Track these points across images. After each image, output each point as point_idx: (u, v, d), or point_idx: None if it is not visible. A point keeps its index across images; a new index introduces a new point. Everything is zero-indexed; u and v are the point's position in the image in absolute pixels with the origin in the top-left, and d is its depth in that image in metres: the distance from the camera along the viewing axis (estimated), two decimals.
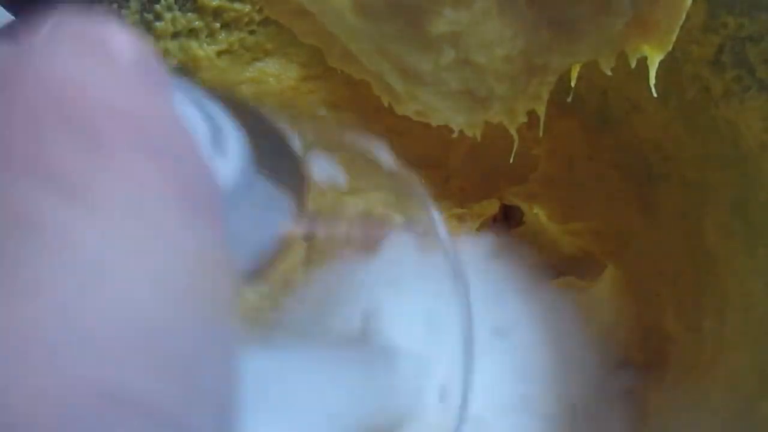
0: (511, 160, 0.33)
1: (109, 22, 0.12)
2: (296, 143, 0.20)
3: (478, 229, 0.43)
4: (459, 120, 0.30)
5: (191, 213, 0.12)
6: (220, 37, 0.40)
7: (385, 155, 0.24)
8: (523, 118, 0.31)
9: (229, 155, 0.16)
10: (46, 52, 0.11)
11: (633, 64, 0.28)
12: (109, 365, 0.10)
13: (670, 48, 0.27)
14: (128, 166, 0.11)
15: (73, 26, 0.12)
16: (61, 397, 0.10)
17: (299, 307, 0.38)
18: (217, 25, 0.39)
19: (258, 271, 0.18)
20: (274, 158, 0.18)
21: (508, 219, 0.45)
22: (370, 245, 0.40)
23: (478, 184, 0.45)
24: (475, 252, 0.41)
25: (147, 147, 0.12)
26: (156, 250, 0.11)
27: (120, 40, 0.12)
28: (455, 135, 0.32)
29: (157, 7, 0.37)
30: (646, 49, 0.27)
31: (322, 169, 0.23)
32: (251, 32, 0.41)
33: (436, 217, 0.25)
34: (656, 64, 0.28)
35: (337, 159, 0.23)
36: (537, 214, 0.42)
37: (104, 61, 0.12)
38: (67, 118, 0.11)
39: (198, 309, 0.11)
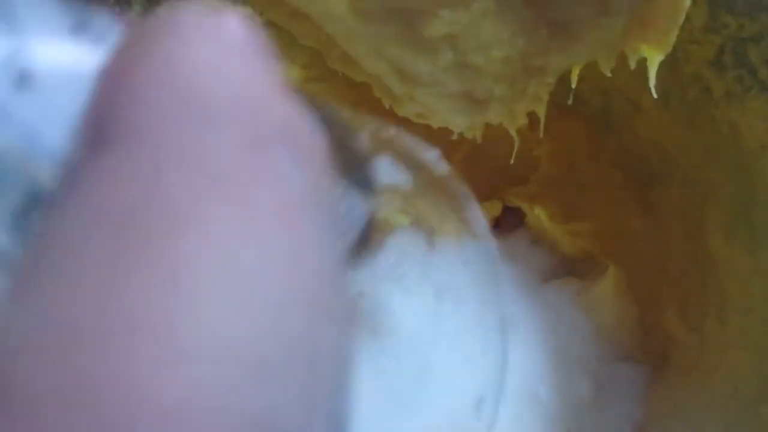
0: (512, 161, 0.33)
1: (219, 6, 0.11)
2: (362, 143, 0.19)
3: None
4: (459, 121, 0.30)
5: (328, 224, 0.11)
6: None
7: (431, 155, 0.24)
8: (523, 120, 0.31)
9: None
10: (174, 42, 0.11)
11: (633, 65, 0.28)
12: (258, 390, 0.09)
13: (669, 49, 0.27)
14: (280, 165, 0.10)
15: (188, 14, 0.11)
16: (196, 417, 0.09)
17: None
18: None
19: None
20: (345, 158, 0.18)
21: (508, 219, 0.45)
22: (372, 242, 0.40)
23: (479, 186, 0.45)
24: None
25: (291, 144, 0.11)
26: (302, 265, 0.10)
27: (234, 23, 0.11)
28: (455, 136, 0.32)
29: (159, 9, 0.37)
30: (646, 50, 0.27)
31: (387, 171, 0.22)
32: None
33: (481, 219, 0.25)
34: (656, 65, 0.28)
35: (395, 160, 0.23)
36: (538, 215, 0.42)
37: (229, 48, 0.11)
38: (209, 109, 0.10)
39: (331, 330, 0.10)
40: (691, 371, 0.37)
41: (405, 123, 0.32)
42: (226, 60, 0.11)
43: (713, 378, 0.35)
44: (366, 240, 0.19)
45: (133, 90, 0.10)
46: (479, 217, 0.25)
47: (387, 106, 0.31)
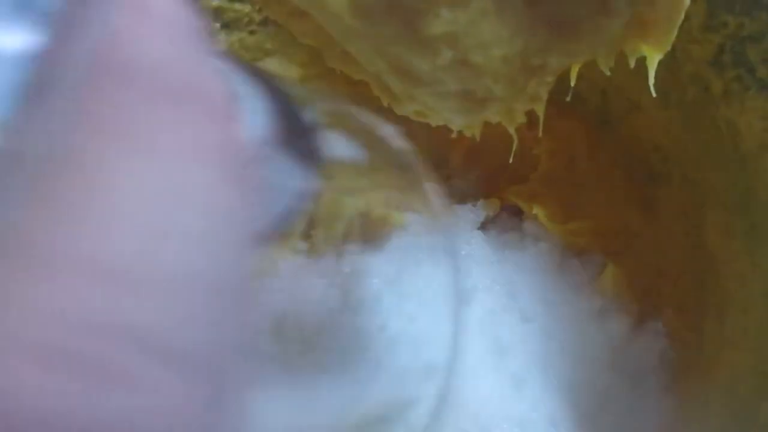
0: (511, 160, 0.33)
1: None
2: (312, 116, 0.20)
3: (479, 228, 0.43)
4: (458, 120, 0.30)
5: (232, 180, 0.12)
6: (220, 37, 0.40)
7: (388, 129, 0.24)
8: (522, 119, 0.31)
9: (251, 122, 0.16)
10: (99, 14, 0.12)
11: (632, 64, 0.28)
12: (142, 309, 0.10)
13: (669, 48, 0.27)
14: (182, 119, 0.12)
15: None
16: (81, 330, 0.10)
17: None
18: (217, 25, 0.39)
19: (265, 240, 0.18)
20: (290, 130, 0.18)
21: (506, 218, 0.45)
22: (369, 242, 0.40)
23: (478, 184, 0.45)
24: (482, 246, 0.42)
25: (191, 103, 0.12)
26: (192, 203, 0.11)
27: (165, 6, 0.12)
28: (454, 135, 0.32)
29: None
30: (645, 49, 0.27)
31: (341, 146, 0.22)
32: (251, 32, 0.41)
33: (437, 195, 0.25)
34: (655, 64, 0.27)
35: (351, 137, 0.23)
36: (536, 214, 0.42)
37: (149, 21, 0.12)
38: (121, 76, 0.11)
39: (226, 268, 0.12)
40: (690, 370, 0.37)
41: (404, 121, 0.32)
42: (145, 29, 0.12)
43: (712, 377, 0.35)
44: (299, 209, 0.19)
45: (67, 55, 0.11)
46: (436, 192, 0.25)
47: (386, 105, 0.31)
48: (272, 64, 0.42)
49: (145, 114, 0.11)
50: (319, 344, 0.36)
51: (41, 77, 0.11)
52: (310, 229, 0.39)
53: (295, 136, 0.18)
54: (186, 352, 0.11)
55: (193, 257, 0.11)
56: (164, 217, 0.11)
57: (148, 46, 0.12)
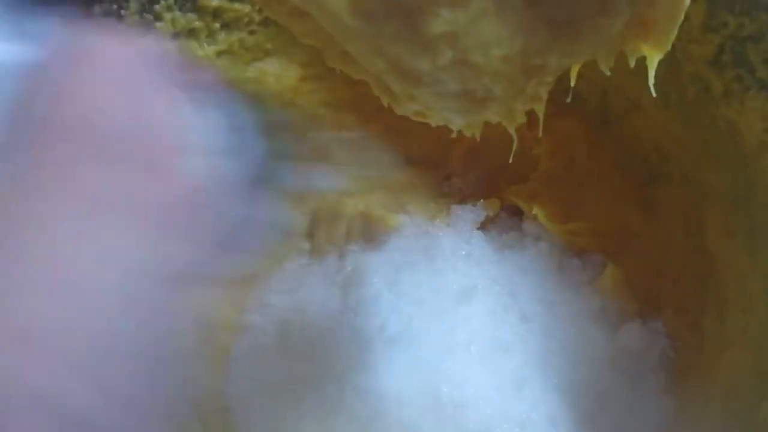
0: (511, 160, 0.33)
1: (112, 35, 0.13)
2: (291, 148, 0.20)
3: (479, 228, 0.43)
4: (457, 120, 0.30)
5: (177, 236, 0.12)
6: (220, 37, 0.40)
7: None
8: (522, 119, 0.31)
9: (240, 158, 0.16)
10: (50, 69, 0.12)
11: (632, 64, 0.28)
12: (47, 374, 0.11)
13: (668, 48, 0.27)
14: (111, 174, 0.12)
15: (74, 43, 0.13)
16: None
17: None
18: (217, 25, 0.39)
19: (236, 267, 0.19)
20: (260, 164, 0.18)
21: (506, 218, 0.45)
22: (370, 242, 0.40)
23: (478, 184, 0.45)
24: (482, 246, 0.42)
25: (130, 158, 0.12)
26: (121, 266, 0.12)
27: (117, 52, 0.13)
28: (455, 135, 0.32)
29: (157, 7, 0.37)
30: (645, 49, 0.27)
31: (326, 178, 0.23)
32: (251, 32, 0.41)
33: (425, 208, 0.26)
34: (655, 64, 0.27)
35: (336, 161, 0.24)
36: (536, 213, 0.42)
37: (99, 74, 0.12)
38: (63, 129, 0.12)
39: (134, 331, 0.12)
40: (690, 370, 0.37)
41: (404, 121, 0.32)
42: (94, 81, 0.13)
43: (712, 376, 0.35)
44: (266, 240, 0.20)
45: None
46: (427, 211, 0.26)
47: (386, 105, 0.31)
48: (272, 64, 0.42)
49: (83, 171, 0.12)
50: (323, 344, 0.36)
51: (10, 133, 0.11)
52: (313, 229, 0.39)
53: (267, 169, 0.19)
54: (96, 418, 0.11)
55: (113, 325, 0.11)
56: (89, 284, 0.11)
57: (92, 98, 0.12)
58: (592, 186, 0.43)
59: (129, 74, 0.13)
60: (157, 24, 0.37)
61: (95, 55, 0.12)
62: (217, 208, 0.15)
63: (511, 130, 0.31)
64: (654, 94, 0.28)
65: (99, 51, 0.13)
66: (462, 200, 0.44)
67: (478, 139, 0.33)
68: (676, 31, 0.26)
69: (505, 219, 0.44)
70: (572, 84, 0.29)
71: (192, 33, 0.39)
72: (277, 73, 0.42)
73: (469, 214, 0.43)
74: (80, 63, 0.12)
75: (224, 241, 0.15)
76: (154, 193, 0.12)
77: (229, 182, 0.16)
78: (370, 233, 0.41)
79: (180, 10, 0.38)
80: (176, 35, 0.38)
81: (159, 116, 0.13)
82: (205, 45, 0.39)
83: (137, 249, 0.12)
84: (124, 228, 0.12)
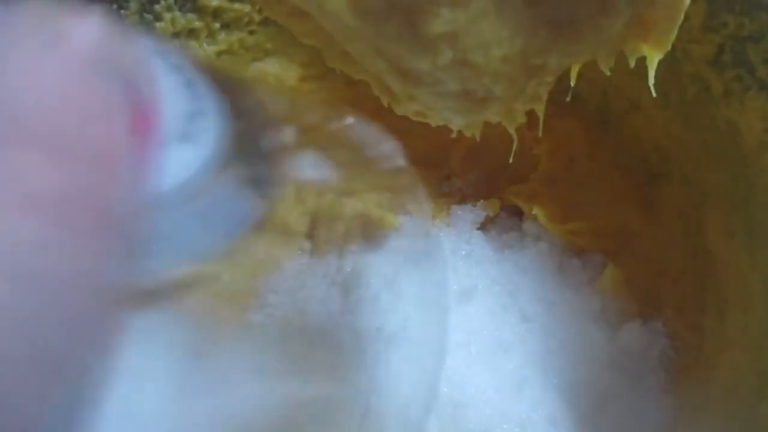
0: (511, 160, 0.33)
1: (74, 12, 0.12)
2: (278, 137, 0.20)
3: (479, 228, 0.43)
4: (457, 120, 0.30)
5: (75, 227, 0.12)
6: (220, 37, 0.40)
7: (386, 147, 0.24)
8: (522, 119, 0.31)
9: (200, 143, 0.16)
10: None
11: (632, 64, 0.28)
12: None
13: (668, 48, 0.27)
14: (25, 162, 0.11)
15: (31, 18, 0.12)
16: None
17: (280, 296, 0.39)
18: (217, 25, 0.39)
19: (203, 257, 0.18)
20: (248, 152, 0.18)
21: (506, 218, 0.45)
22: (369, 242, 0.41)
23: (478, 184, 0.45)
24: (482, 246, 0.42)
25: (52, 147, 0.12)
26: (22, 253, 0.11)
27: (79, 32, 0.12)
28: (455, 135, 0.32)
29: (157, 7, 0.37)
30: (645, 49, 0.27)
31: (312, 167, 0.22)
32: (251, 32, 0.41)
33: (428, 213, 0.25)
34: (655, 64, 0.28)
35: (329, 156, 0.23)
36: (536, 214, 0.42)
37: (57, 55, 0.12)
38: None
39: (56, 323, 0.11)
40: (690, 370, 0.37)
41: (404, 121, 0.32)
42: (41, 66, 0.12)
43: (712, 376, 0.35)
44: (237, 234, 0.19)
45: None
46: (427, 212, 0.25)
47: (386, 105, 0.31)
48: (272, 64, 0.42)
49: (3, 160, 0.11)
50: (321, 342, 0.36)
51: None
52: (313, 229, 0.39)
53: (253, 160, 0.18)
54: None
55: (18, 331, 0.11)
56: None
57: (31, 87, 0.12)
58: (592, 186, 0.43)
59: (92, 63, 0.12)
60: (157, 24, 0.37)
61: None
62: (138, 202, 0.14)
63: (511, 130, 0.31)
64: (654, 94, 0.28)
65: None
66: (462, 200, 0.44)
67: (478, 139, 0.33)
68: (676, 31, 0.26)
69: (505, 219, 0.44)
70: (572, 84, 0.29)
71: (192, 33, 0.39)
72: (277, 73, 0.42)
73: (469, 214, 0.43)
74: None
75: (165, 238, 0.15)
76: (67, 180, 0.12)
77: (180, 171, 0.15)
78: (370, 233, 0.41)
79: (180, 10, 0.38)
80: (176, 35, 0.38)
81: (106, 113, 0.12)
82: (205, 45, 0.39)
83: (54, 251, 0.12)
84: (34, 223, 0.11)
